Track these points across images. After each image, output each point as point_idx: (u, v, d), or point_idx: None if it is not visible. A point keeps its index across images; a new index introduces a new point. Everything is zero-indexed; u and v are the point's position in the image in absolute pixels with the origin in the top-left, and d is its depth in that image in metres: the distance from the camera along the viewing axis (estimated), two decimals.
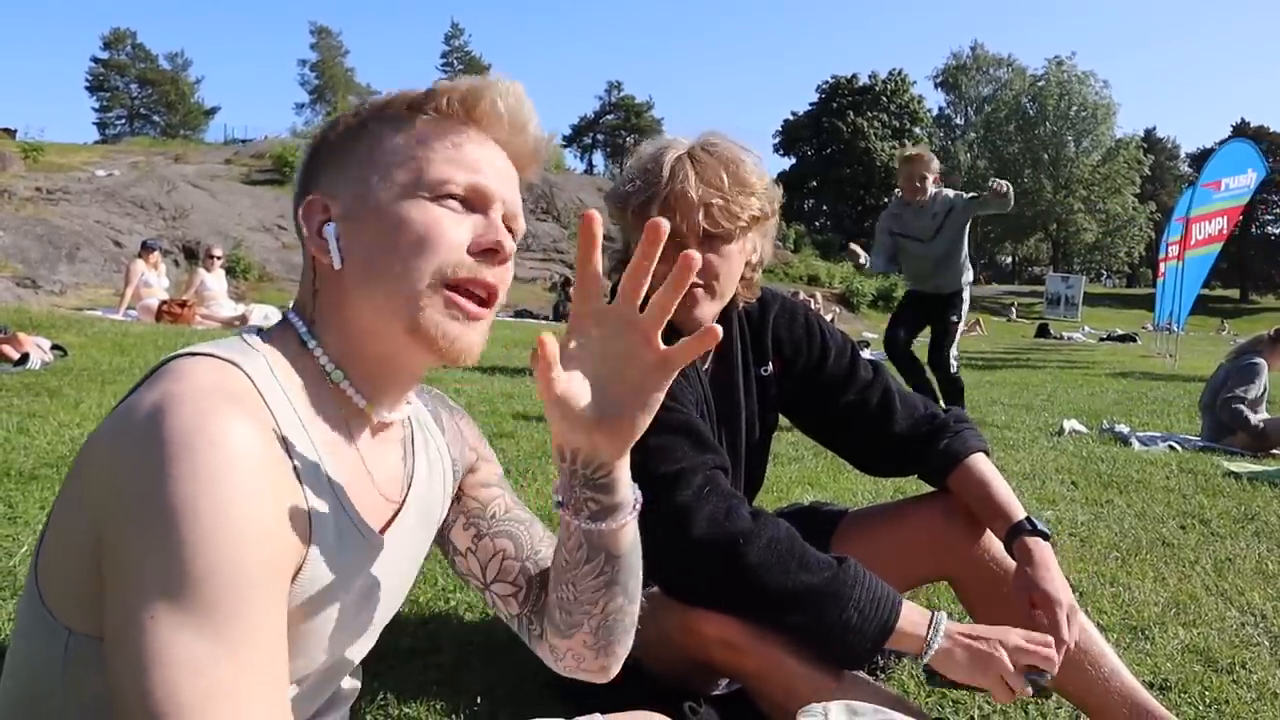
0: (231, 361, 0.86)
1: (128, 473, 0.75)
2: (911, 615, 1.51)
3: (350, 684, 1.14)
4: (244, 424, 0.79)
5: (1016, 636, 1.47)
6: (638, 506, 1.02)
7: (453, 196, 0.95)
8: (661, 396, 0.90)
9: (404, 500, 1.05)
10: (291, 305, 1.02)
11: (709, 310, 1.70)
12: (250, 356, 0.89)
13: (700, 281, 1.65)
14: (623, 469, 0.97)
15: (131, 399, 0.81)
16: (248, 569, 0.75)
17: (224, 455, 0.76)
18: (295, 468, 0.86)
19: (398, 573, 1.06)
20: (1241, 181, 13.55)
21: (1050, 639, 1.49)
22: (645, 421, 0.91)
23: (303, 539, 0.86)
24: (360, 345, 0.96)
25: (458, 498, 1.20)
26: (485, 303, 0.96)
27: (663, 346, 0.88)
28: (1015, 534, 1.71)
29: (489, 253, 0.95)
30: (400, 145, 0.96)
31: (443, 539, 1.20)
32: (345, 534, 0.93)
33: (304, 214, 0.96)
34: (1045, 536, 1.69)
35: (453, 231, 0.94)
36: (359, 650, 1.06)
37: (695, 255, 0.86)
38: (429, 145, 0.96)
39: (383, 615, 1.06)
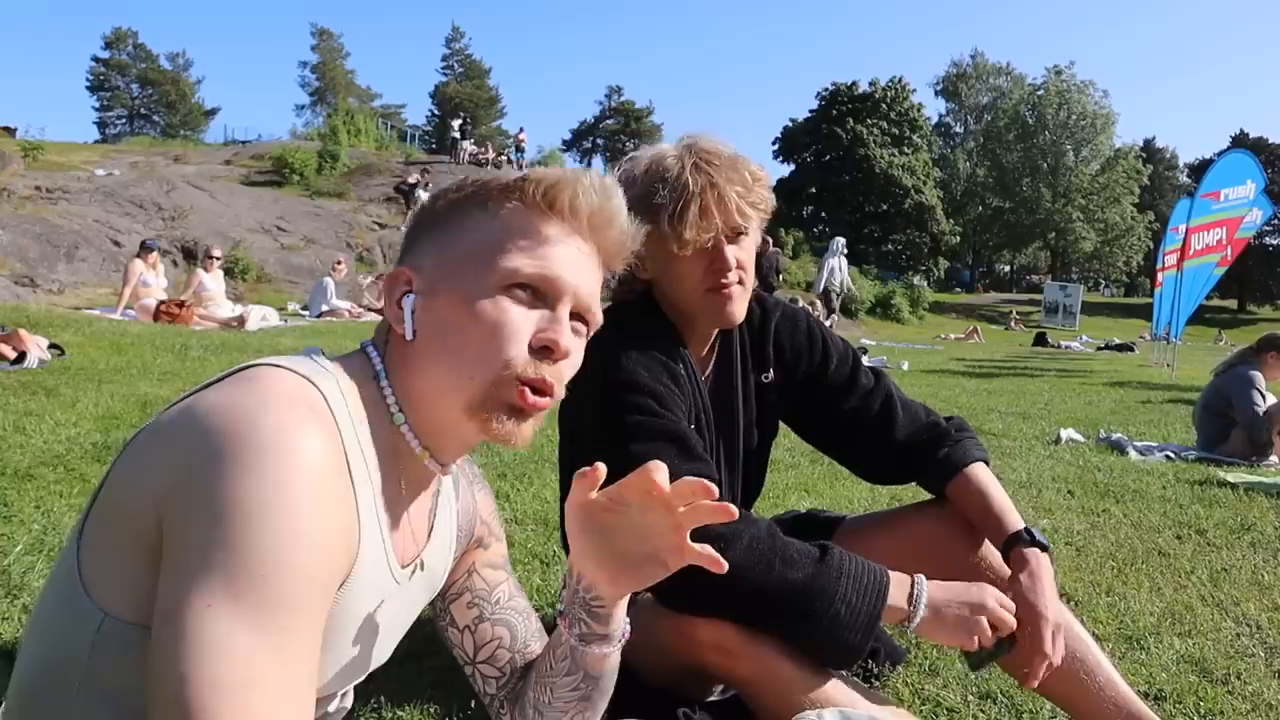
0: (307, 378, 0.89)
1: (205, 468, 0.78)
2: (896, 592, 1.52)
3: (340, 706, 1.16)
4: (319, 437, 0.83)
5: (993, 600, 1.51)
6: (624, 640, 1.12)
7: (521, 287, 0.97)
8: (668, 572, 1.02)
9: (422, 550, 1.08)
10: (373, 339, 1.05)
11: (742, 305, 1.75)
12: (323, 376, 0.92)
13: (735, 278, 1.70)
14: (619, 608, 1.10)
15: (210, 396, 0.84)
16: (305, 574, 0.79)
17: (299, 463, 0.80)
18: (353, 488, 0.90)
19: (401, 617, 1.09)
20: (1240, 192, 13.53)
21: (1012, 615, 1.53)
22: (650, 578, 1.04)
23: (351, 557, 0.90)
24: (422, 405, 0.99)
25: (467, 573, 1.25)
26: (542, 393, 0.98)
27: (688, 541, 0.98)
28: (1012, 544, 1.70)
29: (545, 349, 0.97)
30: (482, 228, 0.99)
31: (440, 608, 1.25)
32: (380, 563, 0.96)
33: (387, 282, 1.01)
34: (1043, 547, 1.69)
35: (517, 326, 0.96)
36: (349, 684, 1.09)
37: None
38: (509, 234, 0.99)
39: (379, 656, 1.09)
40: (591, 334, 1.06)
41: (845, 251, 16.17)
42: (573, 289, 0.99)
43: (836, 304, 16.53)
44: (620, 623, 1.13)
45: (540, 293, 0.98)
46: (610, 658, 1.14)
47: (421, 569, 1.07)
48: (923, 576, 1.53)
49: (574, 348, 1.00)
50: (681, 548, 0.99)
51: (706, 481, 0.95)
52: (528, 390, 0.96)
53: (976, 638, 1.50)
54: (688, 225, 1.63)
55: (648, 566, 1.03)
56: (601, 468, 0.97)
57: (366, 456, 0.93)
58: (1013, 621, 1.51)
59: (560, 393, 1.01)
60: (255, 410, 0.81)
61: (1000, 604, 1.51)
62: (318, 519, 0.80)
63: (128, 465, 0.85)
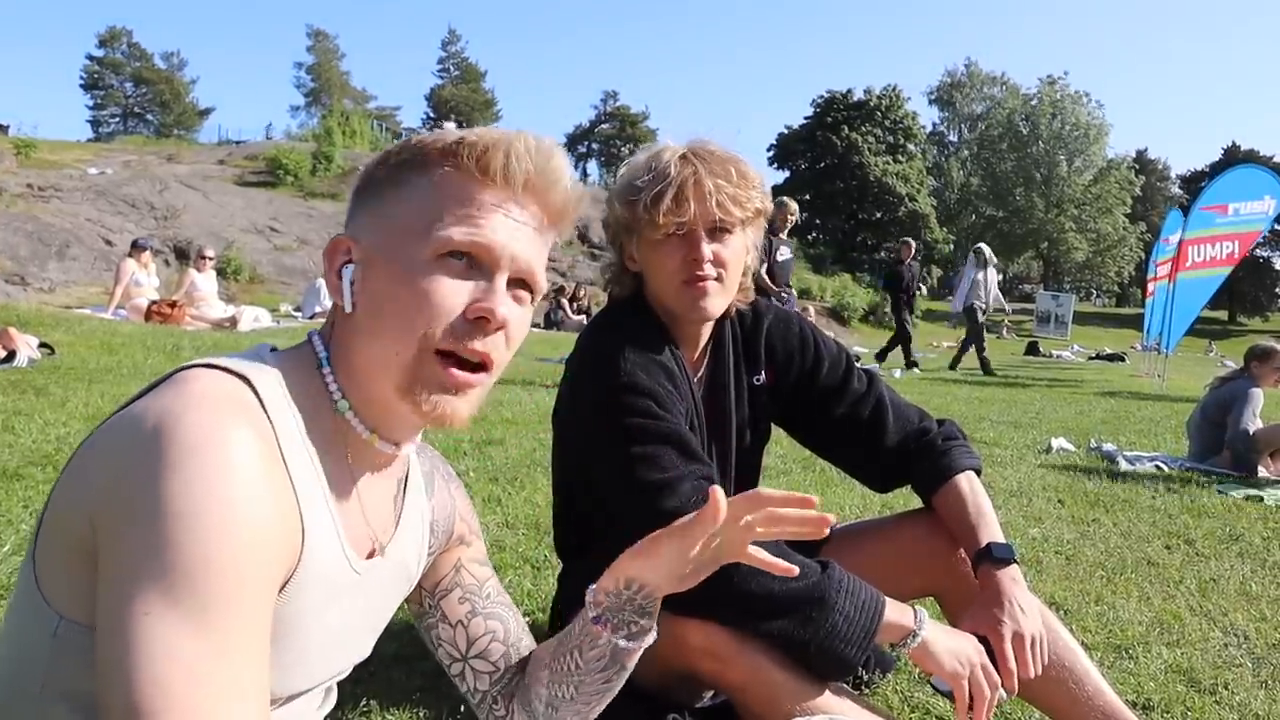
0: (241, 376, 0.88)
1: (133, 473, 0.78)
2: (895, 610, 1.54)
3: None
4: (247, 432, 0.82)
5: (979, 660, 1.52)
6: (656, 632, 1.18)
7: (455, 255, 0.94)
8: (718, 565, 1.13)
9: (387, 542, 1.07)
10: (321, 328, 1.03)
11: (719, 302, 1.75)
12: (261, 372, 0.91)
13: (712, 272, 1.70)
14: (660, 596, 1.16)
15: (142, 403, 0.84)
16: (242, 571, 0.77)
17: (226, 460, 0.79)
18: (293, 484, 0.89)
19: (370, 611, 1.07)
20: (1258, 207, 13.24)
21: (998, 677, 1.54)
22: (705, 574, 1.13)
23: (295, 551, 0.89)
24: (363, 384, 0.98)
25: (455, 569, 1.25)
26: (479, 369, 0.95)
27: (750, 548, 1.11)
28: (978, 562, 1.72)
29: (481, 320, 0.94)
30: (418, 195, 0.96)
31: (430, 605, 1.25)
32: (332, 555, 0.95)
33: (327, 252, 0.98)
34: (1006, 563, 1.69)
35: (447, 296, 0.93)
36: (326, 681, 1.07)
37: (828, 520, 1.09)
38: (442, 200, 0.95)
39: (354, 651, 1.08)
40: (536, 301, 1.02)
41: (995, 261, 13.84)
42: (509, 256, 0.95)
43: (984, 321, 13.89)
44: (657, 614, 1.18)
45: (476, 261, 0.95)
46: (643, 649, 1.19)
47: (383, 555, 1.05)
48: (924, 610, 1.55)
49: (513, 317, 0.96)
50: (743, 554, 1.10)
51: (809, 497, 1.07)
52: (453, 368, 0.93)
53: (963, 689, 1.50)
54: (662, 210, 1.65)
55: (706, 567, 1.12)
56: (722, 500, 1.05)
57: (309, 448, 0.92)
58: (986, 689, 1.51)
59: (499, 365, 0.98)
60: (180, 411, 0.80)
61: (984, 667, 1.52)
62: (249, 515, 0.79)
63: (70, 474, 0.85)
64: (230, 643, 0.75)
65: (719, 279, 1.72)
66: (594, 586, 1.16)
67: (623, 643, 1.15)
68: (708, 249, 1.69)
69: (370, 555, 1.03)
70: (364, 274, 0.96)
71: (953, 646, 1.52)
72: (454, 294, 0.93)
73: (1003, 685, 1.55)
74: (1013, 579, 1.67)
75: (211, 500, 0.77)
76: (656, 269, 1.74)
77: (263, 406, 0.88)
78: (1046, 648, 1.63)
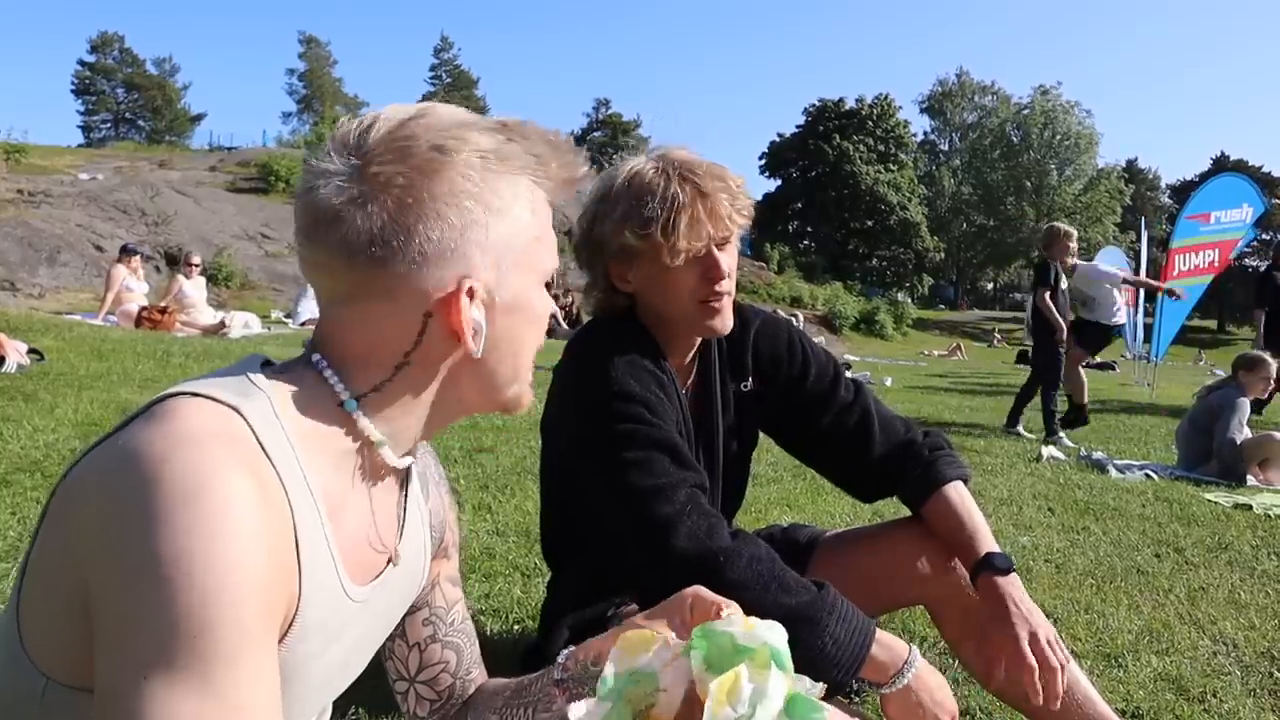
0: (232, 406, 0.82)
1: (119, 523, 0.73)
2: (884, 647, 1.46)
3: None
4: (240, 477, 0.77)
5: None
6: None
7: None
8: None
9: (394, 552, 1.02)
10: (315, 348, 0.94)
11: (730, 315, 1.75)
12: (253, 399, 0.85)
13: (728, 288, 1.71)
14: None
15: (124, 440, 0.77)
16: (241, 623, 0.73)
17: (219, 509, 0.74)
18: (292, 519, 0.84)
19: (371, 633, 1.03)
20: (1235, 215, 13.39)
21: None
22: None
23: (293, 595, 0.84)
24: (436, 414, 0.96)
25: (432, 586, 1.20)
26: None
27: None
28: (977, 572, 1.71)
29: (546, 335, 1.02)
30: (521, 220, 0.93)
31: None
32: (333, 591, 0.91)
33: (456, 301, 0.89)
34: (1006, 572, 1.68)
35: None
36: (326, 702, 1.05)
37: None
38: (542, 222, 0.96)
39: (348, 678, 1.05)
40: None
41: None
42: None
43: None
44: None
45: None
46: None
47: (395, 564, 1.01)
48: (916, 650, 1.48)
49: None
50: None
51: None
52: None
53: None
54: (680, 235, 1.63)
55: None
56: (705, 593, 0.98)
57: (311, 478, 0.86)
58: None
59: None
60: (165, 454, 0.74)
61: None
62: (246, 563, 0.74)
63: (52, 521, 0.80)
64: (235, 696, 0.71)
65: (728, 291, 1.72)
66: (570, 650, 1.10)
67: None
68: (724, 262, 1.70)
69: (379, 575, 0.99)
70: (486, 314, 0.92)
71: (936, 688, 1.45)
72: None
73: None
74: (1012, 588, 1.67)
75: (201, 552, 0.72)
76: (673, 292, 1.71)
77: (257, 440, 0.82)
78: (1062, 645, 1.62)
